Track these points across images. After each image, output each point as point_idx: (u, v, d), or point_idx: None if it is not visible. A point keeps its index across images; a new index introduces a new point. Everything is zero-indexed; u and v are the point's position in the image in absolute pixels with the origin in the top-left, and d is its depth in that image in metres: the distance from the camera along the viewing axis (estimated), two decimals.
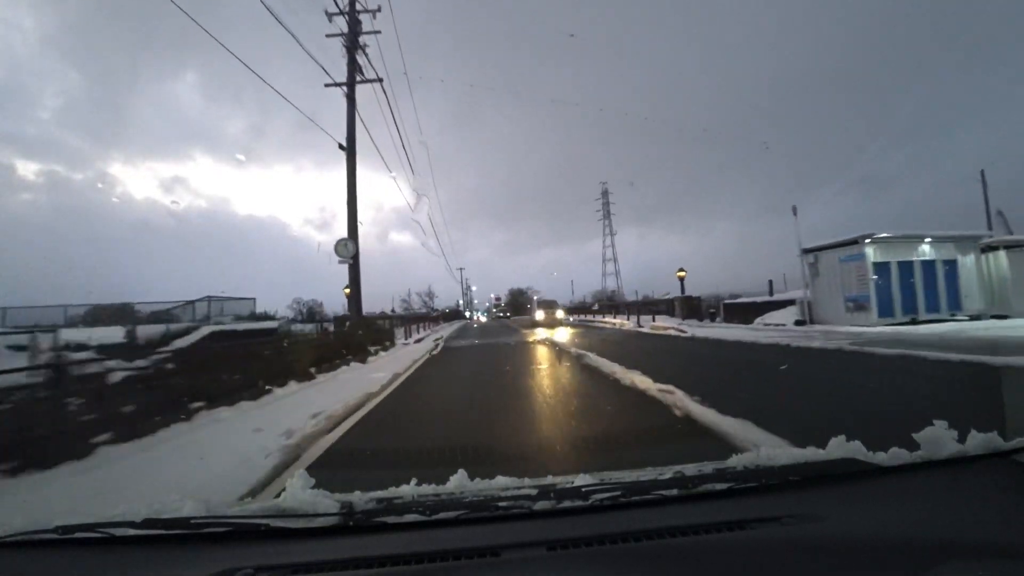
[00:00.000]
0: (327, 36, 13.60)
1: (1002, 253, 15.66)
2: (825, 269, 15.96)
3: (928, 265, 15.36)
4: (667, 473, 1.29)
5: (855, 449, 1.31)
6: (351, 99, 12.75)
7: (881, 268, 14.68)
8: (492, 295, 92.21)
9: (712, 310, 22.06)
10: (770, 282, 21.29)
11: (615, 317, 30.25)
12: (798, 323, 16.05)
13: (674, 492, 1.18)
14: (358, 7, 13.05)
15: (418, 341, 16.92)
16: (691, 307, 23.70)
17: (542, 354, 10.99)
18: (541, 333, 18.67)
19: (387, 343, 12.78)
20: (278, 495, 1.38)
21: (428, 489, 1.36)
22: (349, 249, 11.53)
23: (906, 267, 15.04)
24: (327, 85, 13.27)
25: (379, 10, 13.31)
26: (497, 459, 3.35)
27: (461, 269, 69.61)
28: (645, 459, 1.67)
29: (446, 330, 30.12)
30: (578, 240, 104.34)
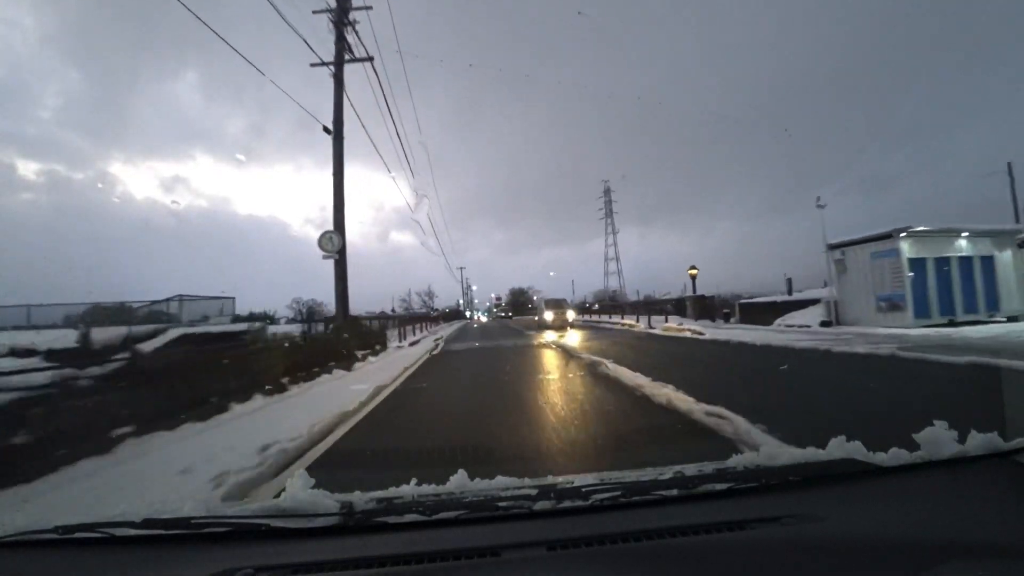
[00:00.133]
0: (314, 12, 12.59)
1: None
2: (854, 266, 14.77)
3: (965, 261, 14.20)
4: (667, 473, 1.28)
5: (855, 449, 1.31)
6: (338, 79, 11.62)
7: (916, 264, 13.51)
8: (492, 295, 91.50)
9: (726, 310, 20.84)
10: (788, 280, 20.15)
11: (623, 317, 28.90)
12: (823, 324, 14.87)
13: (674, 492, 1.17)
14: None
15: (413, 344, 15.75)
16: (703, 307, 22.45)
17: (549, 361, 9.79)
18: (546, 336, 17.42)
19: (377, 347, 11.62)
20: (278, 495, 1.36)
21: (428, 489, 1.34)
22: (334, 243, 10.37)
23: (942, 264, 13.87)
24: (313, 65, 12.18)
25: None
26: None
27: (461, 268, 68.77)
28: None
29: (445, 331, 28.91)
30: (578, 240, 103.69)
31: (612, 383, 6.28)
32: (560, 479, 1.39)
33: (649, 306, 27.88)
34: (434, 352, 14.28)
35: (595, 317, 36.50)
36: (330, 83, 11.57)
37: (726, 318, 20.27)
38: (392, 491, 1.32)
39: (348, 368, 8.94)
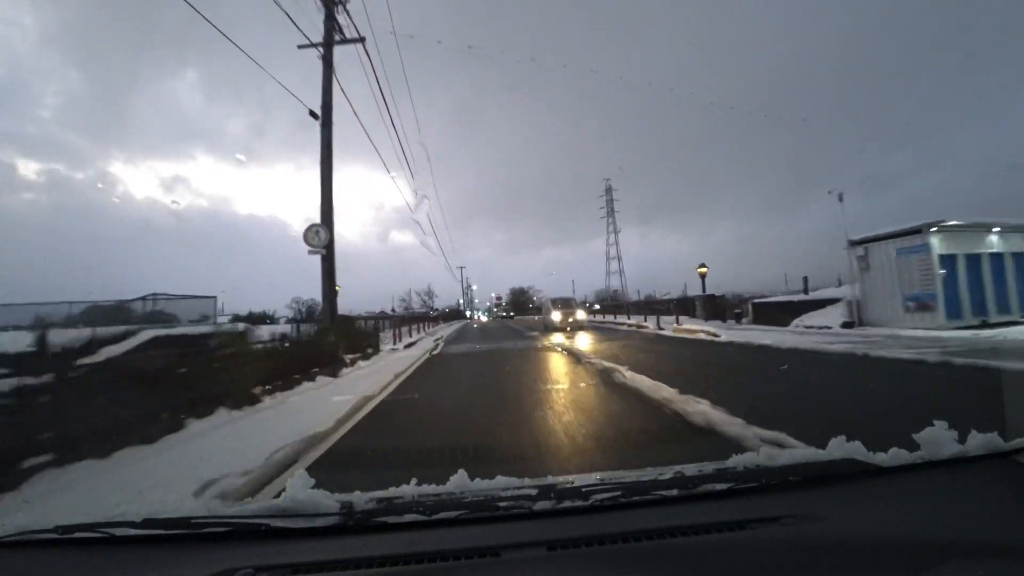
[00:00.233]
0: None
1: None
2: (877, 263, 13.89)
3: (996, 258, 13.32)
4: (667, 473, 1.27)
5: (855, 449, 1.30)
6: (327, 60, 10.77)
7: (947, 261, 12.62)
8: (493, 294, 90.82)
9: (738, 310, 19.93)
10: (805, 279, 19.30)
11: (629, 318, 27.91)
12: (845, 325, 13.98)
13: (674, 492, 1.16)
14: None
15: (408, 346, 14.88)
16: (713, 307, 21.52)
17: (557, 367, 8.89)
18: (551, 338, 16.49)
19: (369, 350, 10.76)
20: (278, 495, 1.34)
21: (428, 489, 1.33)
22: (321, 237, 9.51)
23: (974, 261, 12.99)
24: (301, 47, 11.31)
25: None
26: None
27: (461, 268, 68.01)
28: None
29: (444, 331, 28.01)
30: (579, 239, 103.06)
31: (633, 396, 5.41)
32: (560, 479, 1.41)
33: (650, 306, 26.94)
34: (434, 351, 13.44)
35: (599, 317, 35.50)
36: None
37: (738, 318, 19.37)
38: (392, 491, 1.31)
39: (334, 374, 8.09)
